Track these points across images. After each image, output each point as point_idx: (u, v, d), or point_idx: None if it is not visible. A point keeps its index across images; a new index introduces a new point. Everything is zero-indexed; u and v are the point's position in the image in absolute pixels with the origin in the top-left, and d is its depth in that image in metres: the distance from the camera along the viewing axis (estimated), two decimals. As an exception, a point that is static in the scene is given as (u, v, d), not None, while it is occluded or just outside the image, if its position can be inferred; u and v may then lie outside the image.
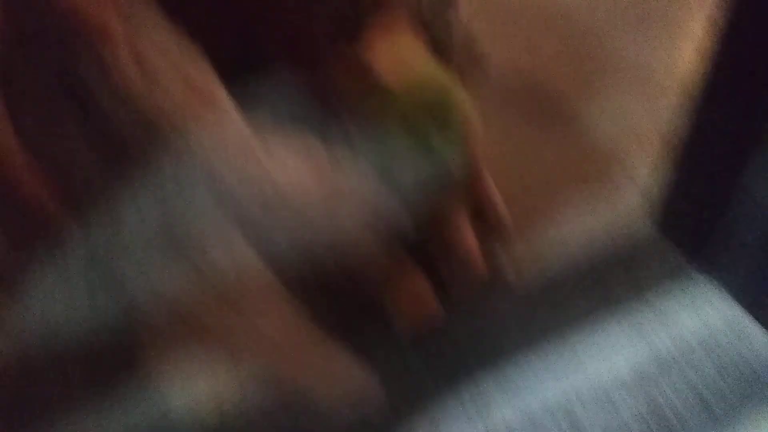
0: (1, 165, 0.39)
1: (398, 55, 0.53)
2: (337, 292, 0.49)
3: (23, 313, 0.41)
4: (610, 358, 0.49)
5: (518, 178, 0.77)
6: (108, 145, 0.41)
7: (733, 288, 0.53)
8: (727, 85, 0.47)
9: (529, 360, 0.48)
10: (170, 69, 0.42)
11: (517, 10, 1.15)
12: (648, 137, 0.86)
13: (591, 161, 0.81)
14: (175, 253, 0.42)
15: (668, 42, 1.08)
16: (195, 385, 0.48)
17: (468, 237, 0.64)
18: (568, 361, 0.49)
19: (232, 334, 0.45)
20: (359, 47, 0.57)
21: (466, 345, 0.49)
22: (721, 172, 0.50)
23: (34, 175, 0.40)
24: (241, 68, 0.50)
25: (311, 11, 0.59)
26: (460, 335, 0.50)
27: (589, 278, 0.55)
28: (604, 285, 0.54)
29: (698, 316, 0.53)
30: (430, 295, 0.57)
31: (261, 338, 0.46)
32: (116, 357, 0.45)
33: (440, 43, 0.61)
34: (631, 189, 0.77)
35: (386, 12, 0.56)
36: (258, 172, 0.44)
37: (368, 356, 0.47)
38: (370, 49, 0.55)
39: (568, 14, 1.15)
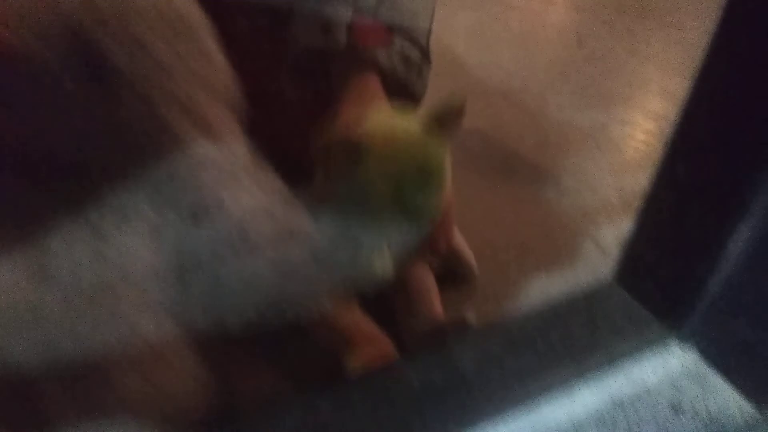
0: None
1: (373, 112, 0.54)
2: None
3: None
4: (569, 405, 0.48)
5: (482, 238, 0.78)
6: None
7: (699, 343, 0.53)
8: (693, 143, 0.49)
9: (485, 410, 0.47)
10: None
11: (478, 82, 1.20)
12: (609, 197, 0.89)
13: (553, 221, 0.83)
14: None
15: (626, 115, 1.13)
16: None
17: (429, 286, 0.64)
18: (525, 409, 0.48)
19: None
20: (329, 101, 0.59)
21: (421, 394, 0.47)
22: (687, 228, 0.50)
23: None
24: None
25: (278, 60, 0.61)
26: (415, 384, 0.48)
27: (553, 332, 0.54)
28: (567, 339, 0.53)
29: (659, 363, 0.52)
30: (381, 338, 0.56)
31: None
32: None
33: (413, 99, 0.64)
34: (594, 248, 0.79)
35: (359, 71, 0.58)
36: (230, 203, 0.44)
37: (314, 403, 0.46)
38: (344, 105, 0.57)
39: (526, 88, 1.21)
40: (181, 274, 0.45)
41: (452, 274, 0.68)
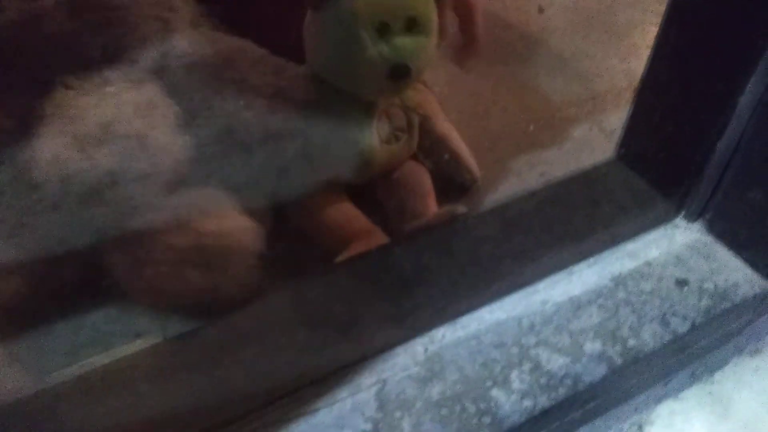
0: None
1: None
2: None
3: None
4: (566, 281, 0.46)
5: (483, 127, 0.75)
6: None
7: (707, 217, 0.50)
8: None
9: (478, 286, 0.45)
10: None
11: None
12: (617, 82, 0.84)
13: (558, 107, 0.79)
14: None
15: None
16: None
17: (421, 182, 0.61)
18: (519, 286, 0.46)
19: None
20: None
21: (412, 277, 0.46)
22: (693, 89, 0.46)
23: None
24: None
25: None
26: (406, 268, 0.46)
27: (551, 212, 0.51)
28: (566, 218, 0.51)
29: (664, 240, 0.50)
30: (374, 231, 0.54)
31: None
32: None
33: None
34: (599, 132, 0.75)
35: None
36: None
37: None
38: None
39: None
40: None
41: (452, 179, 0.65)
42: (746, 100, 0.42)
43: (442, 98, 0.68)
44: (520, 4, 1.02)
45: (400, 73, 0.49)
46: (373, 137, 0.55)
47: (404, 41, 0.49)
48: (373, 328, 0.42)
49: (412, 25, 0.49)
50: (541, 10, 0.96)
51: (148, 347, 0.40)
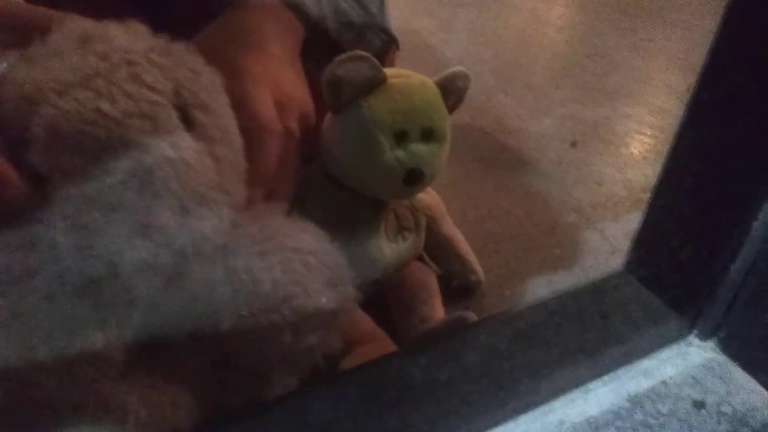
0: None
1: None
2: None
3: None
4: (581, 401, 0.45)
5: (486, 231, 0.75)
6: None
7: (721, 336, 0.50)
8: (712, 116, 0.45)
9: (489, 402, 0.43)
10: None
11: (479, 78, 1.17)
12: (615, 191, 0.86)
13: (560, 214, 0.80)
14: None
15: (630, 110, 1.11)
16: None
17: (428, 285, 0.60)
18: (533, 405, 0.44)
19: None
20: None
21: (423, 391, 0.44)
22: (707, 210, 0.47)
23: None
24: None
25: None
26: (416, 380, 0.45)
27: (563, 325, 0.51)
28: (578, 331, 0.50)
29: (679, 359, 0.49)
30: (381, 336, 0.53)
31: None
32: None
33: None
34: (602, 240, 0.76)
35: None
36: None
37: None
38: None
39: (528, 84, 1.17)
40: (174, 270, 0.42)
41: (457, 281, 0.65)
42: (759, 225, 0.42)
43: (444, 200, 0.69)
44: (520, 111, 1.06)
45: (415, 178, 0.50)
46: (381, 237, 0.55)
47: (420, 148, 0.50)
48: (381, 447, 0.40)
49: (428, 134, 0.50)
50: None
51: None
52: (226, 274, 0.42)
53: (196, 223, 0.39)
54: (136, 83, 0.37)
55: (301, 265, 0.43)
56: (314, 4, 0.50)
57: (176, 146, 0.38)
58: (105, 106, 0.35)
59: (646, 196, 0.53)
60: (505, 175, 0.89)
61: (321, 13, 0.50)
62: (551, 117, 1.05)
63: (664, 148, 0.49)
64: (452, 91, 0.53)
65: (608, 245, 0.75)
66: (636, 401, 0.45)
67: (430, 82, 0.52)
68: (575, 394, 0.45)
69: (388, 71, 0.50)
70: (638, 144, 0.99)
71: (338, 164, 0.52)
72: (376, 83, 0.49)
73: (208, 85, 0.41)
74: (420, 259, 0.63)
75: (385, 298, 0.59)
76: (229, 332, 0.43)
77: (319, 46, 0.53)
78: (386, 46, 0.60)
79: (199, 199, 0.40)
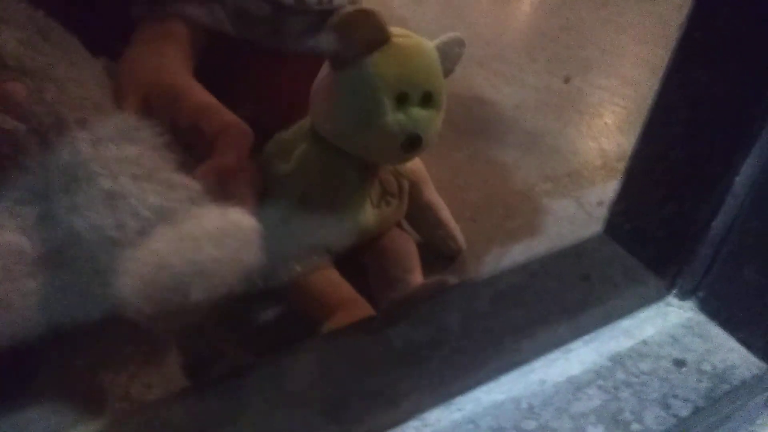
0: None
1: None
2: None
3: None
4: (563, 360, 0.44)
5: (464, 200, 0.74)
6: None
7: (701, 296, 0.50)
8: (692, 68, 0.45)
9: (470, 364, 0.42)
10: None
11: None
12: (591, 160, 0.86)
13: (537, 183, 0.80)
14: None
15: (603, 81, 1.11)
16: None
17: (407, 251, 0.59)
18: (515, 366, 0.44)
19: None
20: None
21: (403, 355, 0.43)
22: (687, 166, 0.46)
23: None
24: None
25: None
26: (396, 344, 0.44)
27: (543, 287, 0.50)
28: (559, 293, 0.49)
29: (659, 319, 0.49)
30: (360, 302, 0.51)
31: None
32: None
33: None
34: (578, 208, 0.75)
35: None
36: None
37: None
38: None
39: (502, 55, 1.16)
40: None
41: (438, 249, 0.64)
42: (742, 180, 0.42)
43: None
44: (495, 82, 1.05)
45: (413, 144, 0.48)
46: (366, 201, 0.54)
47: (420, 113, 0.48)
48: (362, 411, 0.39)
49: (428, 99, 0.49)
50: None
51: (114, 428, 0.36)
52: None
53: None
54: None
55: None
56: (207, 14, 0.53)
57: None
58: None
59: (621, 165, 0.53)
60: (482, 145, 0.88)
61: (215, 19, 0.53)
62: (526, 88, 1.05)
63: (638, 118, 0.49)
64: (449, 56, 0.51)
65: (584, 213, 0.75)
66: (617, 360, 0.45)
67: (431, 45, 0.50)
68: (556, 354, 0.45)
69: (391, 30, 0.48)
70: (612, 114, 0.99)
71: (333, 124, 0.50)
72: (381, 41, 0.47)
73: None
74: (399, 225, 0.61)
75: (363, 265, 0.58)
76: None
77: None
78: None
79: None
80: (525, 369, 0.43)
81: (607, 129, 0.94)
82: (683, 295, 0.50)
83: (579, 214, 0.74)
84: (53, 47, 0.38)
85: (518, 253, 0.65)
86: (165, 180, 0.40)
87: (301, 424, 0.38)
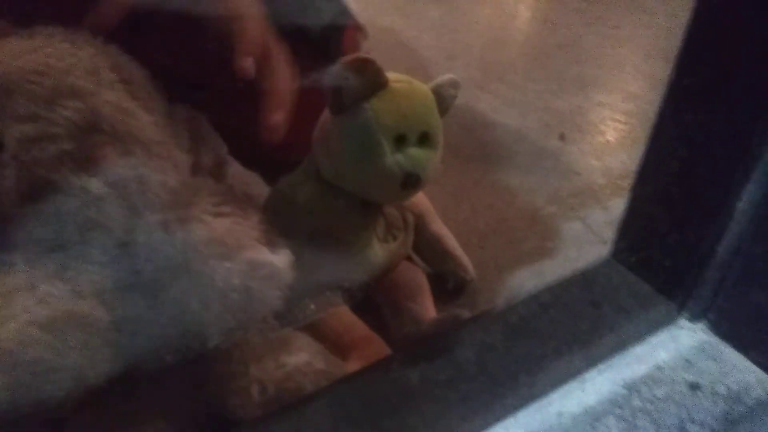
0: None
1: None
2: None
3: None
4: (578, 391, 0.45)
5: (469, 227, 0.75)
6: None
7: (711, 317, 0.50)
8: (691, 98, 0.46)
9: (484, 398, 0.43)
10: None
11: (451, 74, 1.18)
12: (594, 179, 0.86)
13: (541, 205, 0.80)
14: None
15: (603, 98, 1.12)
16: None
17: (419, 285, 0.60)
18: (529, 398, 0.44)
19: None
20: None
21: (419, 391, 0.44)
22: (690, 193, 0.47)
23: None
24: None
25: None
26: (412, 381, 0.44)
27: (555, 317, 0.51)
28: (570, 322, 0.50)
29: (672, 343, 0.49)
30: (376, 340, 0.52)
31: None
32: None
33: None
34: (585, 229, 0.76)
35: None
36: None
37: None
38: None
39: (501, 77, 1.18)
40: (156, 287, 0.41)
41: (448, 279, 0.64)
42: (743, 205, 0.43)
43: (429, 198, 0.69)
44: (496, 105, 1.06)
45: (412, 183, 0.50)
46: (374, 238, 0.55)
47: (418, 153, 0.50)
48: (383, 452, 0.39)
49: (425, 139, 0.50)
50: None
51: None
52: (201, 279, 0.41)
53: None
54: (78, 50, 0.40)
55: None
56: None
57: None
58: (52, 60, 0.38)
59: (625, 183, 0.54)
60: (485, 170, 0.89)
61: None
62: (526, 109, 1.06)
63: (640, 133, 0.50)
64: (444, 97, 0.53)
65: (591, 233, 0.75)
66: (632, 388, 0.45)
67: (426, 87, 0.52)
68: (572, 385, 0.45)
69: (387, 75, 0.50)
70: (613, 131, 1.00)
71: (335, 167, 0.51)
72: (378, 86, 0.49)
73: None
74: (409, 259, 0.62)
75: (376, 301, 0.59)
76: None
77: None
78: (342, 20, 0.60)
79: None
80: (542, 402, 0.44)
81: (609, 146, 0.95)
82: (694, 318, 0.50)
83: (585, 234, 0.75)
84: (140, 105, 0.40)
85: (527, 278, 0.66)
86: (249, 260, 0.42)
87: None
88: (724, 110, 0.42)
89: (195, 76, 0.57)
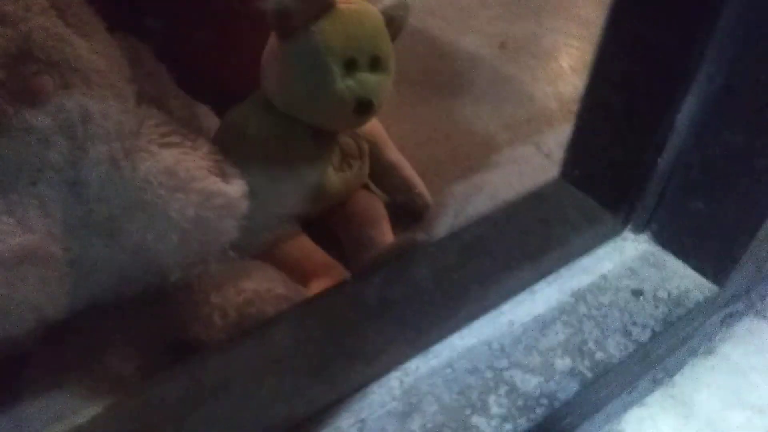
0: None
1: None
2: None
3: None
4: (529, 301, 0.47)
5: (427, 154, 0.76)
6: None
7: (653, 228, 0.53)
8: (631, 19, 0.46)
9: (443, 313, 0.45)
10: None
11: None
12: (548, 104, 0.88)
13: (496, 131, 0.81)
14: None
15: (557, 24, 1.12)
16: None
17: (376, 211, 0.61)
18: (485, 310, 0.46)
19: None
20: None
21: (379, 311, 0.45)
22: (631, 110, 0.48)
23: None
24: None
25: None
26: (371, 302, 0.46)
27: (507, 235, 0.52)
28: (516, 233, 0.52)
29: (616, 253, 0.52)
30: (335, 265, 0.53)
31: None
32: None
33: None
34: (538, 153, 0.78)
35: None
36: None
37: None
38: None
39: (454, 2, 1.17)
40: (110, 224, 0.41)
41: (405, 207, 0.65)
42: (683, 117, 0.44)
43: (384, 127, 0.69)
44: (449, 32, 1.05)
45: (365, 108, 0.50)
46: (328, 168, 0.55)
47: (369, 78, 0.50)
48: (346, 368, 0.41)
49: (376, 63, 0.50)
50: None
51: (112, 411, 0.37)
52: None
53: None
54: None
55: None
56: None
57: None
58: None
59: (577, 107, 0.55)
60: (441, 99, 0.89)
61: None
62: (480, 36, 1.05)
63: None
64: (394, 19, 0.52)
65: (543, 157, 0.77)
66: (579, 296, 0.48)
67: (375, 9, 0.51)
68: (522, 296, 0.48)
69: None
70: (567, 56, 1.01)
71: (285, 95, 0.51)
72: (325, 8, 0.48)
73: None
74: (366, 187, 0.63)
75: (334, 229, 0.60)
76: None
77: None
78: None
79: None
80: (494, 313, 0.46)
81: (562, 72, 0.96)
82: (637, 230, 0.53)
83: (539, 159, 0.77)
84: (75, 32, 0.38)
85: (483, 203, 0.68)
86: (201, 190, 0.42)
87: (289, 387, 0.40)
88: (663, 25, 0.43)
89: (142, 5, 0.55)
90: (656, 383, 0.54)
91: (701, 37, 0.42)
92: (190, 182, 0.42)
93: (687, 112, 0.45)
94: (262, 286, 0.46)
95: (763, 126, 0.43)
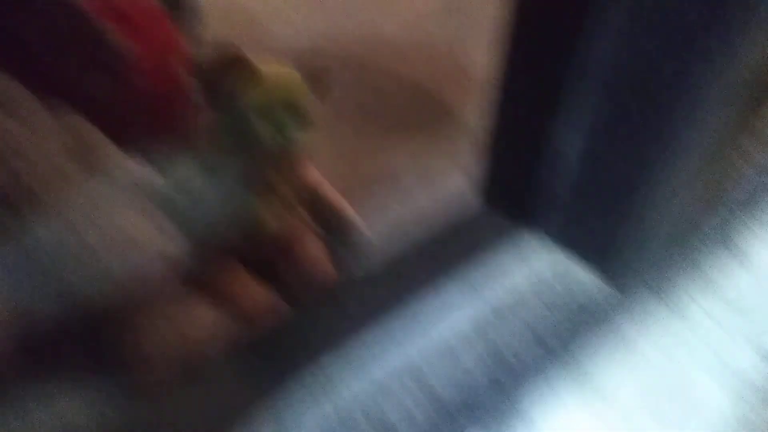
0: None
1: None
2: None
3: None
4: (451, 318, 0.51)
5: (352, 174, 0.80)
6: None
7: (554, 236, 0.58)
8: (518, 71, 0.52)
9: (373, 335, 0.48)
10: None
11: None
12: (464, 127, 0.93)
13: (414, 149, 0.86)
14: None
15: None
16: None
17: (316, 251, 0.64)
18: (411, 328, 0.50)
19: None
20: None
21: (310, 333, 0.49)
22: (524, 140, 0.55)
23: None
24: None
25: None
26: (303, 325, 0.50)
27: (426, 251, 0.56)
28: (440, 256, 0.56)
29: (527, 267, 0.57)
30: (258, 288, 0.57)
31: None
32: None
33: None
34: (456, 172, 0.82)
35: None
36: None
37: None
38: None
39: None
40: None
41: (341, 241, 0.69)
42: (572, 140, 0.50)
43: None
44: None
45: (290, 157, 0.56)
46: (267, 215, 0.58)
47: (295, 133, 0.55)
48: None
49: (302, 120, 0.55)
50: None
51: None
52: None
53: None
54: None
55: None
56: None
57: None
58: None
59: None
60: (373, 130, 0.93)
61: None
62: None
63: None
64: (320, 82, 0.58)
65: (463, 173, 0.82)
66: (498, 312, 0.52)
67: (296, 73, 0.57)
68: (443, 314, 0.51)
69: (254, 60, 0.54)
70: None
71: (219, 156, 0.56)
72: (249, 77, 0.53)
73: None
74: (305, 224, 0.66)
75: (275, 266, 0.63)
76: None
77: None
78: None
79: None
80: (421, 330, 0.50)
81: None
82: (543, 242, 0.58)
83: (459, 175, 0.81)
84: (14, 117, 0.41)
85: (410, 221, 0.71)
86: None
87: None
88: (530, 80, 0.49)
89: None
90: (570, 378, 0.58)
91: (571, 75, 0.48)
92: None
93: (566, 136, 0.51)
94: (204, 329, 0.49)
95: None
